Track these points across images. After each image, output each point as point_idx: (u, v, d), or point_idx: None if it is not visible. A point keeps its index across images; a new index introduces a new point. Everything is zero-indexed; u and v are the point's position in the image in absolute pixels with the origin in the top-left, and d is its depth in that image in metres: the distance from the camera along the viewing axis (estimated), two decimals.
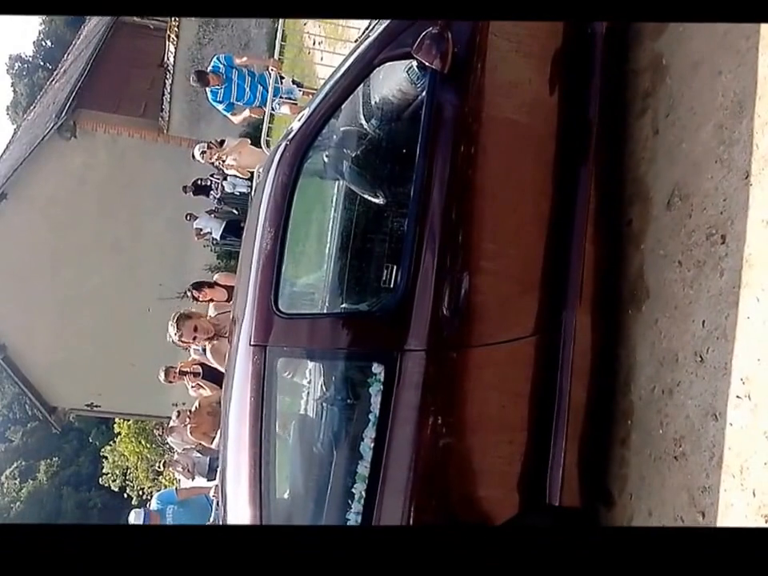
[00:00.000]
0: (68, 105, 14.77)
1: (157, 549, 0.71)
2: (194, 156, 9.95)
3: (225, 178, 11.39)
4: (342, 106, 3.61)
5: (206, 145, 9.81)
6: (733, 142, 3.10)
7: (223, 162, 9.81)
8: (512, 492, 3.44)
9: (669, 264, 3.38)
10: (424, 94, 3.40)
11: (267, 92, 8.00)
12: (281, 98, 8.15)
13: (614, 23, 3.67)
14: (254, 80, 8.17)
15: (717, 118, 3.19)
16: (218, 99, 8.17)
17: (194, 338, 6.35)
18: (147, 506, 8.76)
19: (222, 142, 9.91)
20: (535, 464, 3.43)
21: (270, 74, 8.13)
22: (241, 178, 10.45)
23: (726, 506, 2.96)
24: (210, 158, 9.78)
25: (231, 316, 4.25)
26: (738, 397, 2.94)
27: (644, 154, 3.65)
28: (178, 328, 6.23)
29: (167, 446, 8.34)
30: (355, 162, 3.82)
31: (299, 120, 3.69)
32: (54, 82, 20.75)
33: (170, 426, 8.17)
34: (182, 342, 6.47)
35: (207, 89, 8.19)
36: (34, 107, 20.06)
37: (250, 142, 9.62)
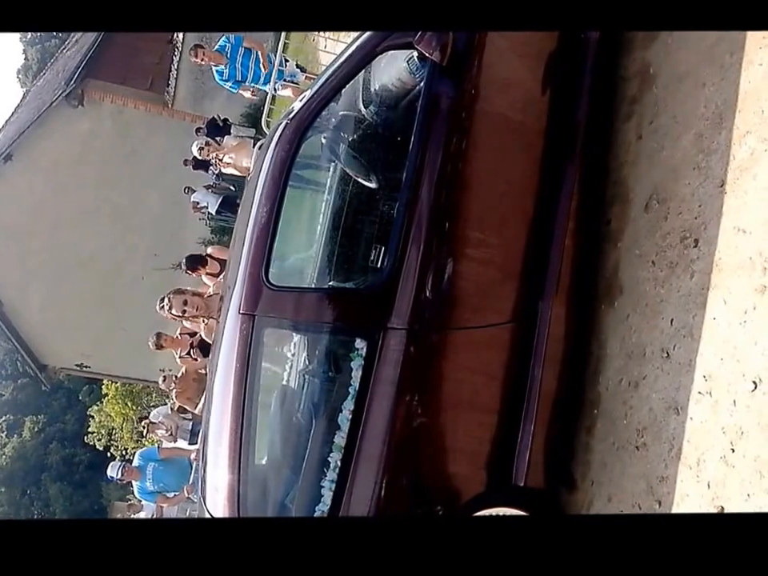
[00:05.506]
0: (77, 74, 14.83)
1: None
2: (191, 151, 9.99)
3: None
4: (343, 91, 3.71)
5: (204, 141, 9.84)
6: (711, 151, 3.22)
7: (220, 160, 9.81)
8: (480, 470, 3.60)
9: (643, 263, 3.51)
10: (422, 84, 3.52)
11: (272, 71, 8.06)
12: (284, 80, 8.22)
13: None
14: (259, 61, 8.21)
15: (698, 128, 3.32)
16: (223, 78, 8.25)
17: (184, 312, 6.33)
18: (126, 461, 8.80)
19: (226, 120, 9.93)
20: (504, 445, 3.57)
21: (274, 56, 8.23)
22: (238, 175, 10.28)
23: (681, 496, 3.10)
24: (208, 155, 9.82)
25: (222, 286, 4.35)
26: (699, 393, 3.07)
27: (627, 157, 3.77)
28: (168, 300, 6.27)
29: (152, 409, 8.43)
30: (351, 145, 3.93)
31: (301, 101, 3.80)
32: (65, 51, 20.68)
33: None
34: (171, 315, 6.49)
35: (200, 63, 8.22)
36: (44, 73, 20.00)
37: (252, 143, 9.46)
